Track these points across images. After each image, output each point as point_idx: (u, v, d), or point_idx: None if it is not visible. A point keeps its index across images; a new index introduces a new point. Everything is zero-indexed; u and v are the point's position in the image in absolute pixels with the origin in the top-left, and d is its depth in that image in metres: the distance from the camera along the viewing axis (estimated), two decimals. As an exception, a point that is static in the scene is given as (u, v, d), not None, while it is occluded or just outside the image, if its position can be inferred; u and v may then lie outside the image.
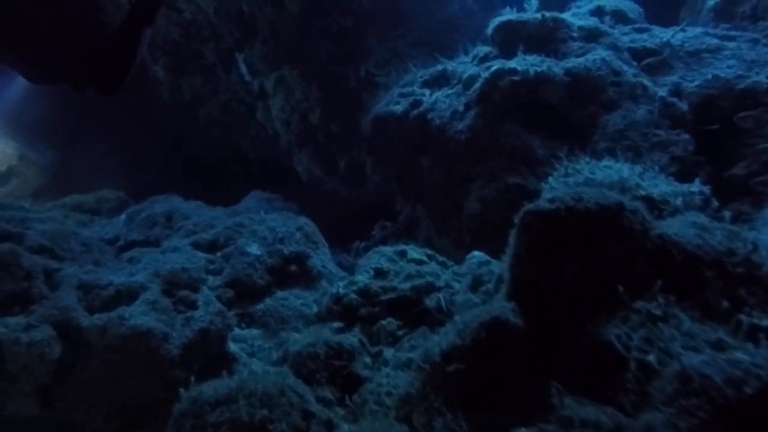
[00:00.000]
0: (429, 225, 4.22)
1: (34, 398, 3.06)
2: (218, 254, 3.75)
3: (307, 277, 3.78)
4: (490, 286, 2.17)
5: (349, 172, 6.61)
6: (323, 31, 6.16)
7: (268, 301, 3.63)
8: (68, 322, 3.10)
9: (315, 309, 3.65)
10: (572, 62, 3.49)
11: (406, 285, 2.42)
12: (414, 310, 2.32)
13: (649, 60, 3.62)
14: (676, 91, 3.42)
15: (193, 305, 3.41)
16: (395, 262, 2.63)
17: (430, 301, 2.33)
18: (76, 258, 3.70)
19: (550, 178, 2.36)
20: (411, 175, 4.42)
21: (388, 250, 2.71)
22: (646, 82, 3.45)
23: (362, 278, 2.50)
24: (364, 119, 6.33)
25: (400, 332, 2.28)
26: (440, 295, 2.30)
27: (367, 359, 1.89)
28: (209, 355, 3.26)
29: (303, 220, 4.00)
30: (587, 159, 2.48)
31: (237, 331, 3.52)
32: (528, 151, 3.32)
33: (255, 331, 3.54)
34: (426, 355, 1.62)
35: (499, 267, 2.32)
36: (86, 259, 3.73)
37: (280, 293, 3.68)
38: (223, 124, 7.79)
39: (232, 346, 3.37)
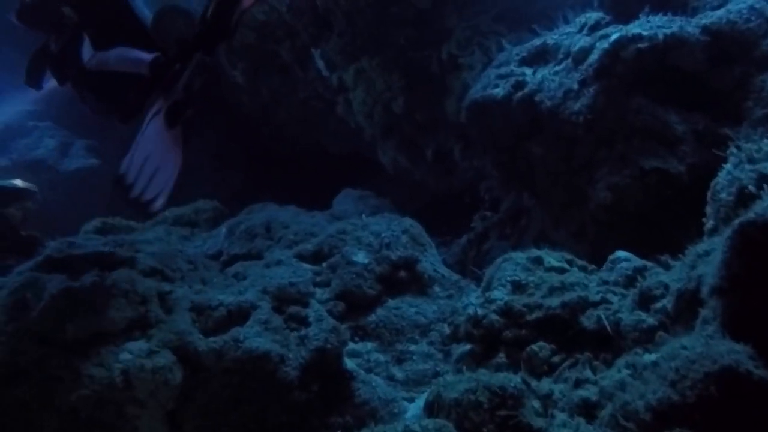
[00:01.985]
0: (543, 216, 3.82)
1: (163, 422, 2.99)
2: (324, 265, 3.53)
3: (418, 283, 3.50)
4: (666, 304, 1.79)
5: (437, 160, 6.31)
6: (400, 17, 5.84)
7: (380, 311, 3.38)
8: (186, 346, 2.99)
9: (431, 317, 3.37)
10: (710, 17, 2.96)
11: (555, 301, 2.07)
12: (569, 332, 1.97)
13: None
14: None
15: (304, 322, 3.21)
16: (532, 272, 2.28)
17: (587, 321, 1.97)
18: (184, 277, 3.59)
19: (728, 167, 1.92)
20: (516, 163, 4.02)
21: (520, 257, 2.36)
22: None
23: (500, 294, 2.17)
24: (449, 104, 6.00)
25: (556, 358, 1.94)
26: (600, 313, 1.93)
27: (536, 403, 1.58)
28: (326, 373, 3.07)
29: (408, 222, 3.71)
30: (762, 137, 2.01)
31: (351, 345, 3.30)
32: (664, 128, 2.85)
33: (370, 344, 3.30)
34: (625, 409, 1.29)
35: (668, 277, 1.93)
36: (194, 277, 3.62)
37: (391, 302, 3.43)
38: (303, 122, 7.68)
39: (349, 363, 3.15)
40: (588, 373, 1.78)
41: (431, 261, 3.57)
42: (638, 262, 2.25)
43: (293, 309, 3.26)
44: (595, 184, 3.04)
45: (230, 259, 3.89)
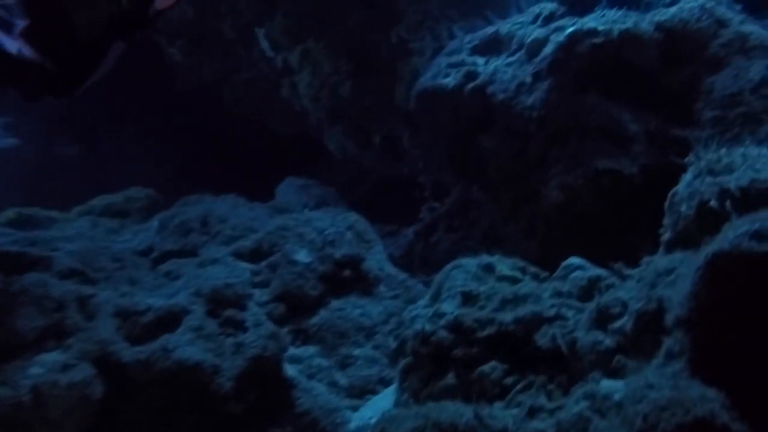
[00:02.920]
0: (493, 211, 3.69)
1: (80, 442, 2.72)
2: (263, 264, 3.29)
3: (363, 282, 3.32)
4: (624, 324, 1.67)
5: (385, 146, 6.12)
6: (349, -2, 5.56)
7: (323, 313, 3.19)
8: (108, 356, 2.71)
9: (376, 318, 3.20)
10: (663, 14, 2.86)
11: (508, 316, 1.93)
12: (523, 351, 1.84)
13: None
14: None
15: (241, 326, 2.98)
16: (483, 281, 2.14)
17: (542, 338, 1.84)
18: (109, 278, 3.28)
19: (687, 177, 1.81)
20: (466, 155, 3.87)
21: (471, 265, 2.21)
22: (759, 29, 2.81)
23: (449, 307, 2.02)
24: (399, 90, 5.81)
25: (508, 380, 1.80)
26: (555, 332, 1.80)
27: (488, 440, 1.44)
28: (265, 382, 2.86)
29: (353, 217, 3.51)
30: (722, 144, 1.92)
31: (292, 350, 3.10)
32: (618, 127, 2.75)
33: (312, 349, 3.11)
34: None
35: (627, 294, 1.81)
36: (121, 277, 3.32)
37: (335, 303, 3.24)
38: (248, 103, 7.33)
39: (289, 369, 2.96)
40: (543, 399, 1.65)
41: (377, 259, 3.39)
42: (592, 271, 2.14)
43: (229, 312, 3.02)
44: (547, 182, 2.92)
45: (162, 256, 3.59)
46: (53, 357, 2.64)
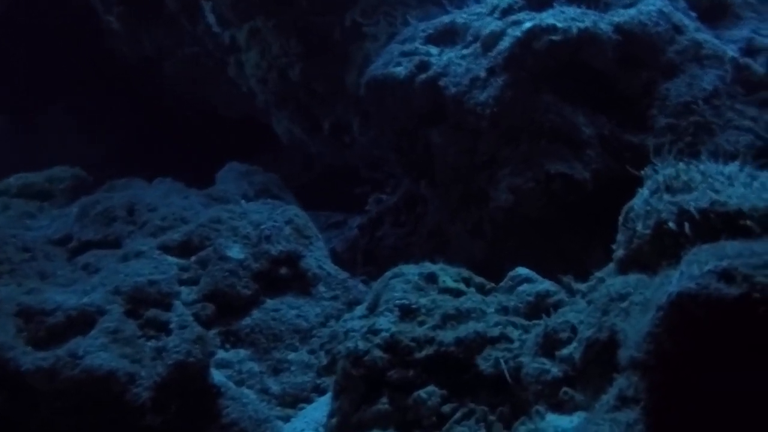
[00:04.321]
0: (440, 208, 3.53)
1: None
2: (192, 259, 3.01)
3: (301, 281, 3.09)
4: (573, 351, 1.52)
5: (334, 133, 5.87)
6: (302, -24, 5.25)
7: (256, 314, 2.95)
8: (5, 364, 2.40)
9: (313, 320, 2.99)
10: (622, 15, 2.73)
11: (449, 336, 1.75)
12: (463, 376, 1.67)
13: (710, 8, 2.89)
14: (749, 50, 2.71)
15: (164, 328, 2.71)
16: (424, 293, 1.95)
17: (484, 362, 1.67)
18: (15, 270, 2.93)
19: (644, 193, 1.67)
20: (415, 149, 3.69)
21: (412, 273, 2.02)
22: (712, 38, 2.72)
23: (386, 323, 1.83)
24: (350, 75, 5.58)
25: (446, 407, 1.63)
26: (499, 356, 1.64)
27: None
28: (188, 390, 2.60)
29: (293, 211, 3.27)
30: (679, 155, 1.78)
31: (221, 353, 2.85)
32: (572, 130, 2.61)
33: (243, 352, 2.87)
34: None
35: (576, 317, 1.67)
36: (29, 270, 2.97)
37: (270, 302, 3.00)
38: (192, 81, 6.92)
39: (216, 375, 2.71)
40: (482, 433, 1.48)
41: (317, 256, 3.16)
42: (540, 285, 1.99)
43: (151, 312, 2.74)
44: (496, 184, 2.77)
45: (81, 247, 3.26)
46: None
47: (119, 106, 6.93)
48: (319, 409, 2.53)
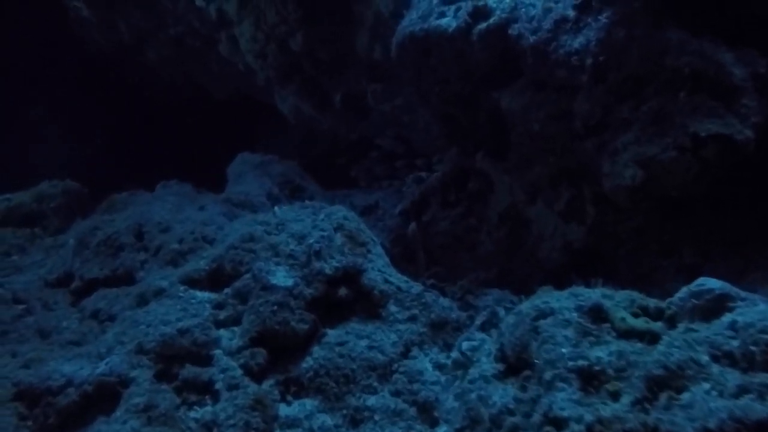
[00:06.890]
0: (513, 186, 2.85)
1: None
2: (227, 291, 2.34)
3: (366, 302, 2.43)
4: None
5: (347, 105, 5.19)
6: (293, -75, 4.49)
7: (317, 351, 2.29)
8: (10, 474, 1.78)
9: (390, 351, 2.35)
10: None
11: (678, 418, 1.11)
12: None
13: None
14: None
15: (208, 389, 2.07)
16: (598, 340, 1.31)
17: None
18: (7, 332, 2.27)
19: None
20: (474, 117, 2.99)
21: (566, 308, 1.37)
22: None
23: (568, 403, 1.18)
24: (359, 38, 4.88)
25: None
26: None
27: None
28: (251, 468, 1.99)
29: (341, 213, 2.57)
30: None
31: (282, 409, 2.21)
32: (718, 73, 1.91)
33: (309, 404, 2.23)
34: None
35: None
36: (25, 329, 2.31)
37: (332, 334, 2.34)
38: (178, 64, 6.20)
39: (282, 441, 2.09)
40: None
41: (379, 267, 2.49)
42: (759, 310, 1.34)
43: (188, 371, 2.09)
44: (613, 155, 2.08)
45: (85, 286, 2.59)
46: None
47: (99, 102, 6.14)
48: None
